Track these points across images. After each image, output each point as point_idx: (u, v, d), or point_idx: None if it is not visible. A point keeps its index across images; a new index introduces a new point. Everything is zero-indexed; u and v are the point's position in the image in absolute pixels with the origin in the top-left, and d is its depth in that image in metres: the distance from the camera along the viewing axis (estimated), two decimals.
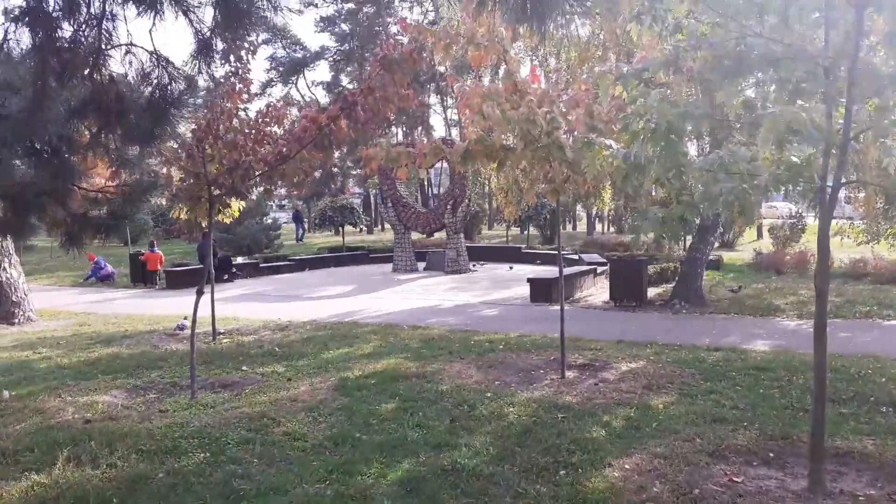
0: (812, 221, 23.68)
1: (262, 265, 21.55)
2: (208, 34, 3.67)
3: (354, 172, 51.58)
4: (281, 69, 50.36)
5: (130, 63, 3.75)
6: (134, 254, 20.36)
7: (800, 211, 17.36)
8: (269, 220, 28.32)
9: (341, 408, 6.01)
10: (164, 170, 6.56)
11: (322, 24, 50.36)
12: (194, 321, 6.73)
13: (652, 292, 14.69)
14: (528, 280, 14.43)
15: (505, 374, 7.39)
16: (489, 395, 6.39)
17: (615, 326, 10.95)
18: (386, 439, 5.20)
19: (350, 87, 50.51)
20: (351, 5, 48.54)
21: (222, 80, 6.76)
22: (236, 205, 9.80)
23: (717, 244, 24.46)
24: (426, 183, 46.83)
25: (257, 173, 6.24)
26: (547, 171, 7.38)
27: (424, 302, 14.26)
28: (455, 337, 9.66)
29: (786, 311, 12.27)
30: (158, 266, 19.26)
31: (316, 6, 49.73)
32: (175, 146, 6.30)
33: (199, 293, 6.78)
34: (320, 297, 15.73)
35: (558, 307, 12.87)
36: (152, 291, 17.74)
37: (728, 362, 7.72)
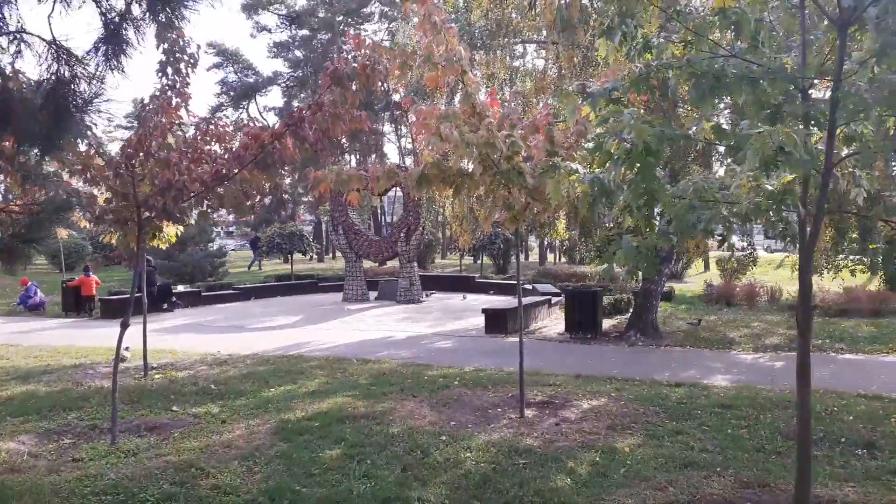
0: (763, 254, 24.14)
1: (204, 294, 20.61)
2: (118, 20, 3.15)
3: (305, 199, 50.74)
4: (232, 93, 49.46)
5: (19, 52, 3.19)
6: (65, 280, 19.19)
7: (751, 243, 17.48)
8: (214, 247, 27.30)
9: (280, 455, 5.41)
10: (87, 188, 5.93)
11: (275, 50, 49.84)
12: (117, 356, 6.05)
13: (607, 324, 14.49)
14: (483, 311, 14.04)
15: (461, 413, 6.90)
16: (444, 438, 5.89)
17: (572, 359, 10.61)
18: (329, 493, 4.64)
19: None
20: (305, 32, 48.25)
21: (157, 94, 6.22)
22: (172, 229, 9.17)
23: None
24: (379, 210, 46.36)
25: (192, 194, 5.67)
26: (505, 197, 7.02)
27: (376, 333, 13.69)
28: (407, 372, 9.14)
29: (741, 343, 12.17)
30: (93, 291, 18.17)
31: (269, 31, 49.29)
32: (101, 163, 5.70)
33: (124, 325, 6.11)
34: (265, 328, 14.98)
35: (514, 339, 12.54)
36: (86, 321, 16.65)
37: (692, 399, 7.42)
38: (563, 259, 37.27)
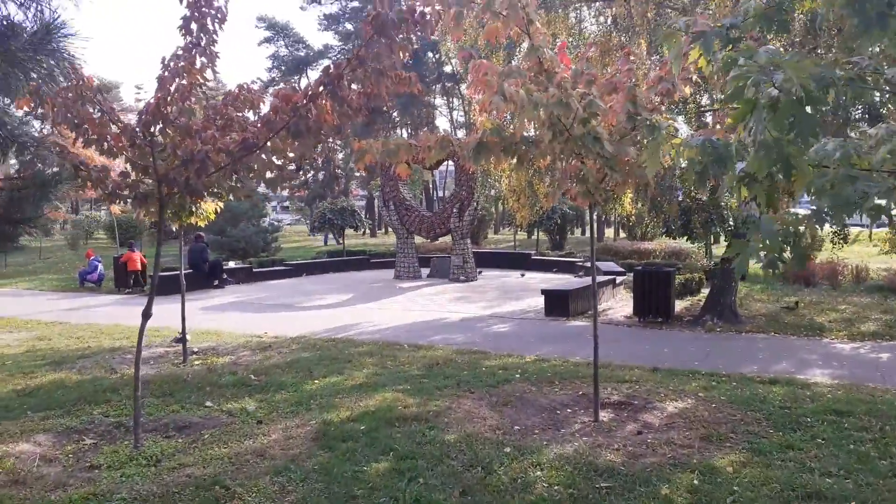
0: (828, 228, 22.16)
1: (256, 270, 20.28)
2: None
3: (358, 174, 50.40)
4: (283, 68, 49.23)
5: None
6: (117, 257, 19.09)
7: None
8: (267, 222, 27.05)
9: (319, 468, 4.68)
10: (98, 159, 5.25)
11: (326, 23, 49.25)
12: (138, 352, 5.41)
13: (678, 306, 13.34)
14: (543, 292, 13.09)
15: (525, 415, 6.04)
16: (508, 449, 5.05)
17: (644, 348, 9.60)
18: None
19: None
20: (355, 3, 47.36)
21: (180, 53, 5.47)
22: (211, 205, 8.54)
23: (707, 249, 23.09)
24: (431, 186, 45.57)
25: (215, 168, 4.91)
26: (577, 168, 6.06)
27: (428, 314, 12.93)
28: (463, 361, 8.33)
29: (833, 330, 10.90)
30: (138, 267, 18.00)
31: (319, 3, 48.61)
32: (116, 131, 4.99)
33: (146, 316, 5.46)
34: (315, 306, 14.42)
35: (577, 323, 11.57)
36: (137, 298, 16.45)
37: (796, 402, 6.36)
38: (622, 234, 35.68)
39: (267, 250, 26.16)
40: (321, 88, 4.67)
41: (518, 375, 7.52)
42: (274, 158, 5.03)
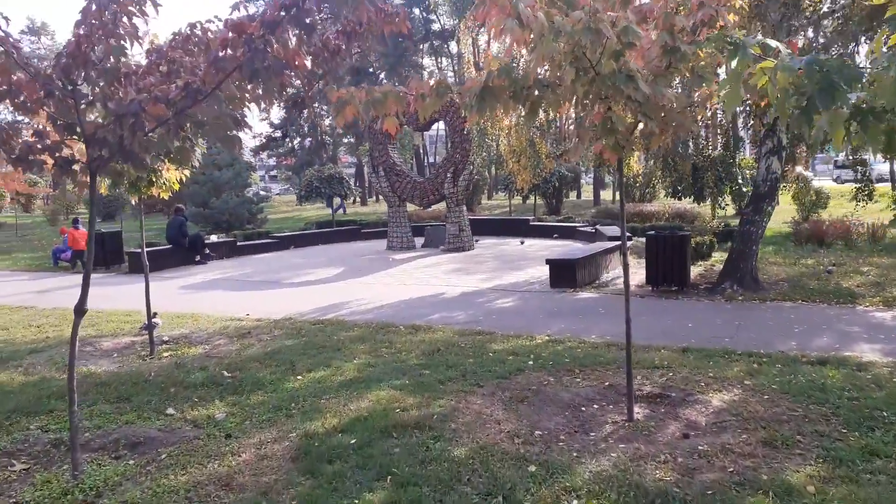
0: (831, 184, 21.03)
1: (240, 244, 19.21)
2: None
3: (346, 140, 48.95)
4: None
5: None
6: (99, 234, 17.92)
7: (867, 174, 14.82)
8: (252, 193, 25.86)
9: (298, 501, 3.72)
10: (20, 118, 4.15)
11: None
12: (73, 355, 4.39)
13: (692, 272, 12.41)
14: (547, 261, 12.12)
15: (546, 414, 5.10)
16: (533, 468, 4.09)
17: (665, 323, 8.68)
18: None
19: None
20: None
21: None
22: (174, 174, 7.49)
23: (733, 210, 21.97)
24: (422, 150, 44.25)
25: (154, 124, 3.83)
26: (604, 116, 5.01)
27: (424, 289, 11.95)
28: (467, 345, 7.37)
29: (865, 296, 9.99)
30: (83, 246, 16.79)
31: None
32: (24, 77, 3.90)
33: (78, 313, 4.42)
34: (303, 282, 13.41)
35: (586, 294, 10.78)
36: (116, 276, 15.39)
37: (861, 391, 5.43)
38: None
39: (253, 222, 25.08)
40: (282, 13, 3.57)
41: (531, 362, 6.57)
42: (229, 108, 3.95)
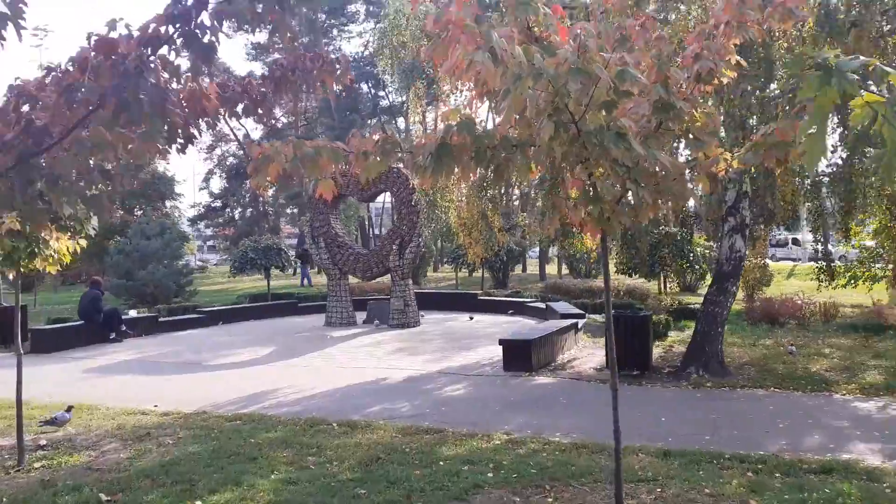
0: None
1: (162, 319, 17.52)
2: None
3: (289, 210, 47.73)
4: None
5: None
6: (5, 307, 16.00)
7: (827, 252, 14.50)
8: (182, 263, 24.22)
9: None
10: None
11: (254, 52, 47.01)
12: None
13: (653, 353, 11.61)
14: (501, 342, 11.11)
15: None
16: None
17: (634, 415, 7.72)
18: None
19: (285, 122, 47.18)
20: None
21: None
22: (64, 243, 6.28)
23: (678, 287, 21.57)
24: (367, 222, 43.40)
25: None
26: (581, 184, 4.15)
27: (364, 373, 10.72)
28: (412, 450, 6.19)
29: (838, 383, 9.34)
30: None
31: (248, 31, 46.38)
32: None
33: None
34: (226, 364, 11.97)
35: (543, 379, 9.89)
36: (10, 357, 13.52)
37: None
38: (565, 271, 34.06)
39: (181, 295, 23.33)
40: (169, 29, 2.58)
41: (490, 474, 5.44)
42: (97, 158, 2.87)
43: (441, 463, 5.73)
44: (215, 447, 6.22)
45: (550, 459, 5.85)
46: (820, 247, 13.60)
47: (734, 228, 10.63)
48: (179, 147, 3.18)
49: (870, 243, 15.22)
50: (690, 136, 4.18)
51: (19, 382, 6.25)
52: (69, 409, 7.60)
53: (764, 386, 9.32)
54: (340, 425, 7.20)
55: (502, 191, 14.58)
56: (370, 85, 41.62)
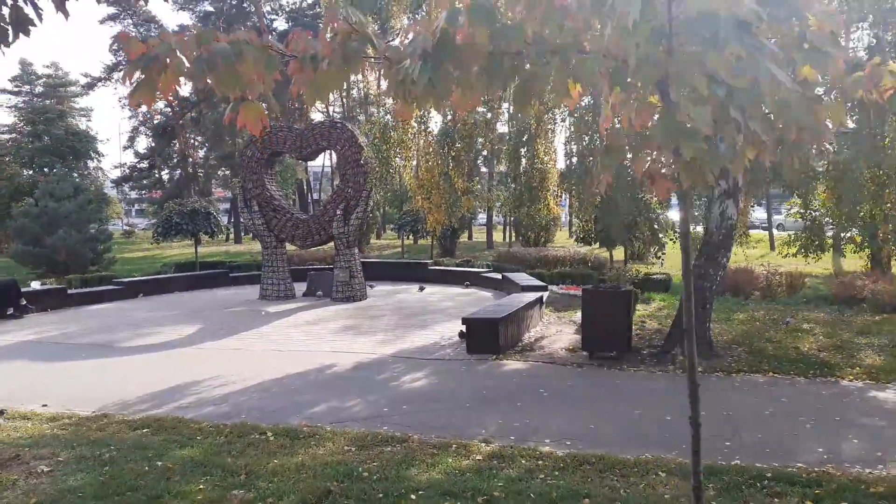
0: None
1: (71, 292, 15.41)
2: None
3: (221, 172, 44.84)
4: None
5: None
6: None
7: (816, 219, 13.62)
8: (99, 228, 21.80)
9: None
10: None
11: (182, 2, 43.44)
12: None
13: None
14: (465, 322, 9.72)
15: None
16: None
17: (629, 413, 6.54)
18: None
19: None
20: None
21: None
22: None
23: (625, 256, 20.37)
24: (305, 185, 41.08)
25: None
26: (647, 114, 2.74)
27: (305, 358, 9.18)
28: (374, 474, 4.74)
29: (840, 366, 8.40)
30: None
31: None
32: None
33: None
34: (142, 346, 10.22)
35: (514, 364, 8.89)
36: None
37: None
38: (513, 237, 32.72)
39: (98, 263, 21.01)
40: None
41: None
42: None
43: (412, 497, 4.31)
44: (106, 478, 4.60)
45: (553, 486, 4.52)
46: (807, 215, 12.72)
47: (726, 193, 9.48)
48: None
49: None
50: (805, 45, 2.81)
51: None
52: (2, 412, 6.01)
53: (760, 370, 8.31)
54: (277, 434, 5.68)
55: (468, 148, 12.99)
56: None
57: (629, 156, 2.86)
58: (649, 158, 2.67)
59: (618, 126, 3.02)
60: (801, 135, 2.79)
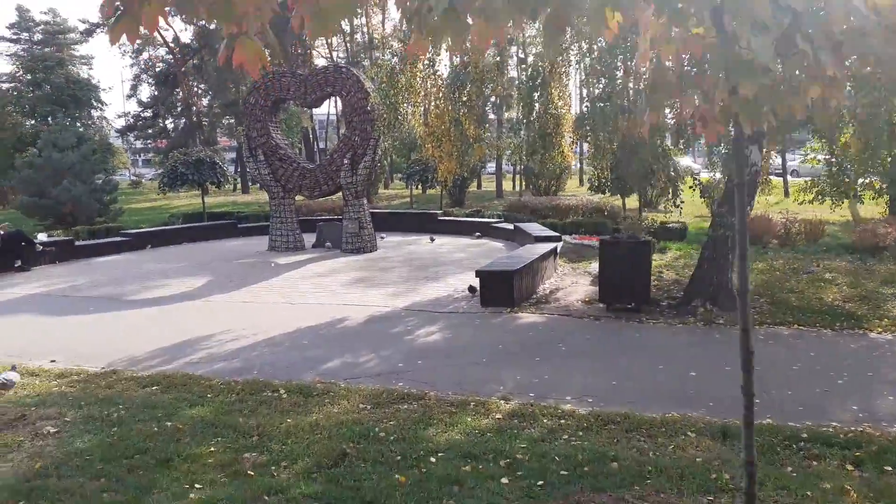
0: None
1: (79, 244, 15.26)
2: None
3: (225, 121, 44.15)
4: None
5: None
6: None
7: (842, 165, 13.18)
8: (105, 178, 21.54)
9: None
10: None
11: None
12: None
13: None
14: (478, 274, 9.48)
15: None
16: None
17: (652, 367, 6.32)
18: None
19: None
20: None
21: None
22: None
23: (640, 204, 19.88)
24: (311, 134, 40.41)
25: None
26: (698, 47, 2.40)
27: (317, 311, 9.00)
28: (390, 434, 4.56)
29: (868, 318, 8.13)
30: None
31: None
32: None
33: None
34: (152, 299, 10.06)
35: (530, 317, 8.53)
36: None
37: None
38: (523, 186, 32.14)
39: (105, 214, 20.83)
40: None
41: (506, 483, 3.86)
42: None
43: (432, 460, 4.13)
44: (113, 440, 4.44)
45: (577, 448, 4.32)
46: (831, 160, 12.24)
47: (749, 137, 9.06)
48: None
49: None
50: None
51: None
52: (13, 368, 5.91)
53: (784, 322, 8.06)
54: (290, 392, 5.51)
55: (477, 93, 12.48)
56: None
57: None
58: (713, 94, 2.34)
59: (666, 63, 2.66)
60: (877, 69, 2.44)
